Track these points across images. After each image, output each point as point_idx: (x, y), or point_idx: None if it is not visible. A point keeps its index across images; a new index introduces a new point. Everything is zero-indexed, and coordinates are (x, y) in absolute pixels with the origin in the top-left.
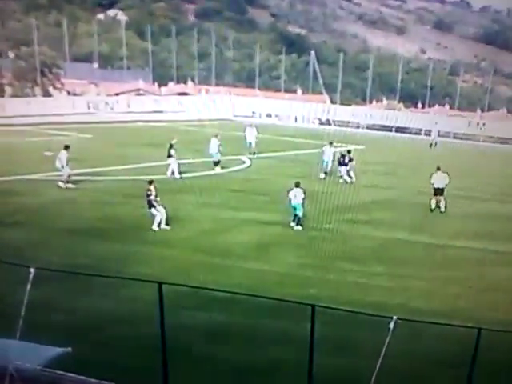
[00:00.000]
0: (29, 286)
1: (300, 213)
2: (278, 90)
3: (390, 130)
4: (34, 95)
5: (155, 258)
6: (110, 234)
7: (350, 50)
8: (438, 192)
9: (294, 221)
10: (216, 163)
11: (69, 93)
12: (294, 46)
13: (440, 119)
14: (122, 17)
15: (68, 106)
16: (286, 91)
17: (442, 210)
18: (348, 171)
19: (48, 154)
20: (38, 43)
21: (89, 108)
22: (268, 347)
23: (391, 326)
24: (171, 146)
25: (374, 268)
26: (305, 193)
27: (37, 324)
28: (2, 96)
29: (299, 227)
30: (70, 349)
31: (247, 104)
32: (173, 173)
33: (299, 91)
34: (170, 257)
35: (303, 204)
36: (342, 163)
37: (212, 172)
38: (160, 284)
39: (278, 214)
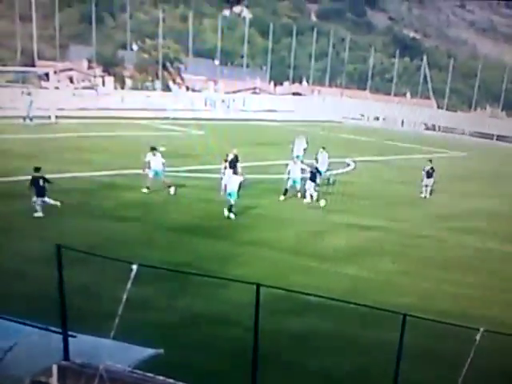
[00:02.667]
0: (129, 284)
1: None
2: (388, 93)
3: (491, 138)
4: (154, 89)
5: (255, 259)
6: (212, 232)
7: (459, 56)
8: None
9: None
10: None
11: (188, 88)
12: (408, 49)
13: None
14: (246, 14)
15: (186, 102)
16: (396, 95)
17: None
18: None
19: (162, 149)
20: (162, 37)
21: (206, 105)
22: (357, 354)
23: (477, 337)
24: (234, 160)
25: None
26: None
27: (133, 323)
28: (122, 88)
29: None
30: (162, 350)
31: (357, 106)
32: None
33: (408, 95)
34: (269, 258)
35: None
36: (428, 176)
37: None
38: (258, 286)
39: (379, 219)
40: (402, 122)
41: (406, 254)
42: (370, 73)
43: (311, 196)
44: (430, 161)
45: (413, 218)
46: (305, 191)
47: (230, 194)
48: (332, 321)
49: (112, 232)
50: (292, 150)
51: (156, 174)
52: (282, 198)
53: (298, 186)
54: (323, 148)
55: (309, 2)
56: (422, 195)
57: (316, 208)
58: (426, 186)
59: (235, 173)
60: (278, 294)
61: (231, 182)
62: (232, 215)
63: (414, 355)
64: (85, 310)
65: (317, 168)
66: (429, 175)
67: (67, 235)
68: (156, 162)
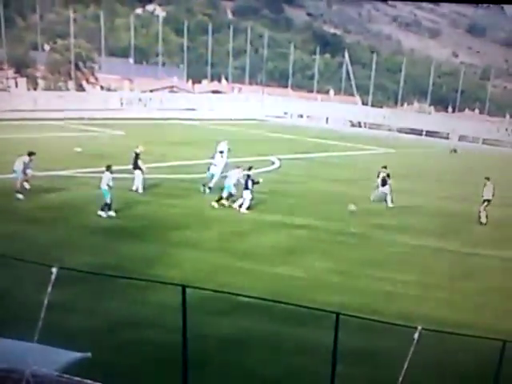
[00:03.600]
0: (50, 287)
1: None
2: (311, 91)
3: (420, 134)
4: (67, 89)
5: (181, 260)
6: (135, 233)
7: (383, 52)
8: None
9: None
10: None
11: (102, 88)
12: (329, 46)
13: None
14: (160, 12)
15: (101, 102)
16: (319, 92)
17: (484, 220)
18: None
19: (78, 150)
20: (74, 36)
21: (122, 104)
22: (291, 355)
23: (416, 336)
24: (137, 156)
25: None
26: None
27: (57, 327)
28: (35, 89)
29: None
30: (89, 354)
31: (279, 104)
32: (137, 190)
33: (331, 92)
34: (196, 259)
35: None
36: (383, 184)
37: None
38: (184, 287)
39: (307, 218)
40: (327, 119)
41: (337, 252)
42: (290, 70)
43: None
44: (385, 167)
45: (342, 216)
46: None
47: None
48: (263, 321)
49: (28, 234)
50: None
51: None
52: (215, 204)
53: (233, 191)
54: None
55: None
56: (371, 198)
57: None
58: (383, 193)
59: (136, 168)
60: (206, 295)
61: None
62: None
63: (350, 354)
64: (6, 315)
65: (248, 175)
66: (384, 182)
67: None
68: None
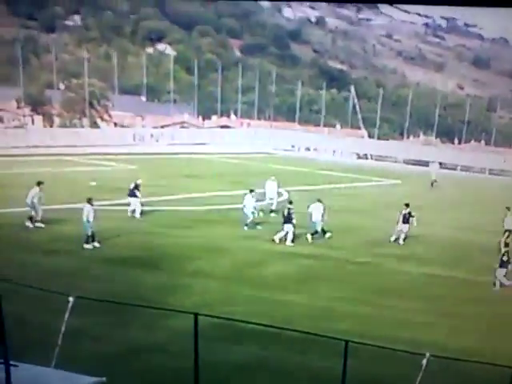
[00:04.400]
0: (67, 315)
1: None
2: (318, 125)
3: (426, 165)
4: (82, 126)
5: (194, 289)
6: (149, 263)
7: (389, 86)
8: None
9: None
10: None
11: (116, 124)
12: (335, 80)
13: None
14: (170, 51)
15: (114, 138)
16: (326, 125)
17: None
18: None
19: (93, 183)
20: (88, 75)
21: (134, 140)
22: (301, 382)
23: (424, 362)
24: (136, 187)
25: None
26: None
27: (73, 352)
28: (51, 126)
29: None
30: (104, 379)
31: (287, 137)
32: (133, 211)
33: (338, 126)
34: (208, 287)
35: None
36: (405, 221)
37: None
38: (196, 315)
39: (316, 247)
40: (334, 152)
41: (344, 280)
42: (297, 105)
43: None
44: (407, 205)
45: (349, 245)
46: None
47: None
48: (274, 348)
49: (45, 265)
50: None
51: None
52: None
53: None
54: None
55: (232, 37)
56: (393, 238)
57: (253, 238)
58: (401, 231)
59: (132, 196)
60: (217, 322)
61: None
62: None
63: (360, 381)
64: (25, 341)
65: (290, 208)
66: (405, 220)
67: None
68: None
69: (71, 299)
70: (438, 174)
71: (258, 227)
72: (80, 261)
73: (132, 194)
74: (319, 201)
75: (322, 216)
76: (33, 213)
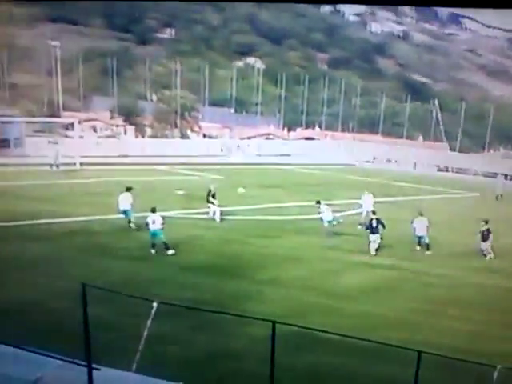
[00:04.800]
0: (150, 320)
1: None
2: (400, 137)
3: (505, 178)
4: (173, 137)
5: (272, 297)
6: (228, 271)
7: (470, 99)
8: None
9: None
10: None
11: (205, 135)
12: (418, 93)
13: None
14: (259, 64)
15: (202, 148)
16: (408, 138)
17: None
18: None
19: (180, 192)
20: (179, 87)
21: (221, 150)
22: None
23: (495, 375)
24: (209, 193)
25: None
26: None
27: (154, 357)
28: (143, 136)
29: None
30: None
31: (369, 149)
32: (214, 213)
33: (420, 138)
34: (286, 296)
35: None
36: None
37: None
38: (273, 323)
39: (393, 258)
40: (415, 164)
41: (420, 292)
42: (381, 117)
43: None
44: (486, 222)
45: (427, 257)
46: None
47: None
48: (346, 358)
49: (131, 271)
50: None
51: (125, 213)
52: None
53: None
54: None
55: (318, 51)
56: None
57: (331, 248)
58: (482, 250)
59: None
60: (293, 331)
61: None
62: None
63: None
64: (108, 345)
65: (378, 219)
66: (484, 238)
67: (91, 273)
68: (125, 201)
69: (155, 305)
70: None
71: (333, 239)
72: (163, 267)
73: (209, 201)
74: (421, 214)
75: (427, 229)
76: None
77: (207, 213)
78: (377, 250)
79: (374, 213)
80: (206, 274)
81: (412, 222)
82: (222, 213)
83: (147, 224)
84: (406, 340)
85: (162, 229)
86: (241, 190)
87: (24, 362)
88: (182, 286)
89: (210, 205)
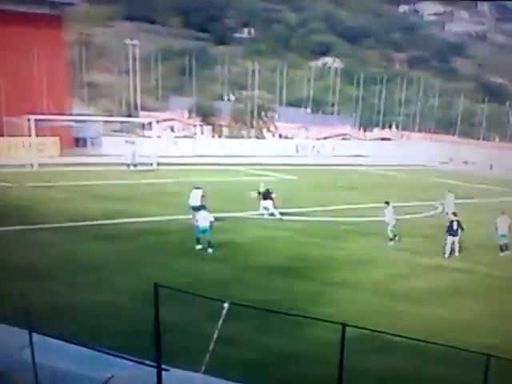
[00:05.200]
0: (221, 321)
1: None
2: (477, 138)
3: None
4: (249, 137)
5: (341, 299)
6: (299, 272)
7: None
8: None
9: None
10: None
11: (281, 136)
12: (495, 95)
13: None
14: (336, 64)
15: (278, 149)
16: (485, 139)
17: None
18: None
19: (253, 193)
20: (257, 87)
21: (297, 151)
22: None
23: None
24: (260, 194)
25: None
26: None
27: (222, 359)
28: (219, 136)
29: None
30: None
31: (445, 150)
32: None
33: (497, 139)
34: (354, 298)
35: None
36: None
37: (408, 216)
38: (343, 325)
39: (464, 261)
40: (491, 165)
41: (491, 295)
42: (458, 118)
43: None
44: None
45: (500, 261)
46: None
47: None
48: (414, 361)
49: (202, 271)
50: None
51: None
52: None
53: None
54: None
55: (396, 51)
56: None
57: (400, 250)
58: None
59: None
60: (362, 333)
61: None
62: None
63: None
64: (177, 345)
65: (458, 221)
66: None
67: (162, 273)
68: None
69: (226, 305)
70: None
71: (392, 242)
72: (233, 268)
73: (266, 197)
74: (503, 213)
75: (509, 228)
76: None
77: (281, 214)
78: (451, 253)
79: (455, 214)
80: (277, 275)
81: (497, 223)
82: (279, 213)
83: (197, 221)
84: (475, 344)
85: (211, 227)
86: (253, 195)
87: (96, 362)
88: (252, 286)
89: (263, 205)
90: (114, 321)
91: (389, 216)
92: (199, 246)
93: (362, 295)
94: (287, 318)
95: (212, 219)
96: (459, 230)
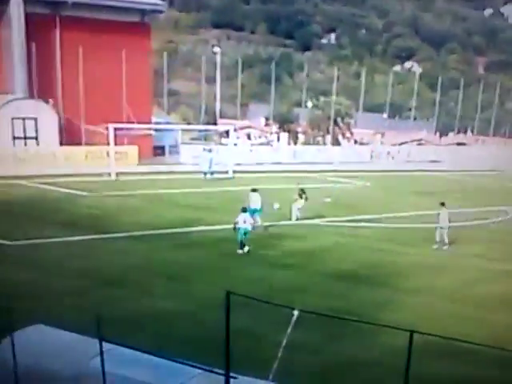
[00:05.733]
0: (290, 328)
1: None
2: None
3: None
4: (325, 143)
5: (410, 306)
6: (371, 279)
7: None
8: None
9: None
10: None
11: (356, 142)
12: None
13: None
14: (416, 68)
15: (353, 155)
16: None
17: None
18: None
19: (327, 200)
20: (336, 93)
21: (371, 157)
22: None
23: None
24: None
25: None
26: None
27: (291, 366)
28: (295, 143)
29: None
30: None
31: None
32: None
33: None
34: (424, 304)
35: None
36: None
37: (475, 223)
38: (411, 332)
39: None
40: None
41: None
42: None
43: None
44: None
45: None
46: None
47: None
48: (484, 367)
49: (276, 278)
50: None
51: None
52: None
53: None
54: None
55: (477, 55)
56: None
57: (474, 256)
58: None
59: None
60: (430, 340)
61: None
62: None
63: None
64: (245, 352)
65: None
66: None
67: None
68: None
69: (296, 313)
70: None
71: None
72: (307, 275)
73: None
74: None
75: None
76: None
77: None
78: None
79: None
80: (349, 282)
81: None
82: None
83: (236, 223)
84: None
85: (253, 228)
86: (275, 206)
87: (164, 371)
88: (323, 294)
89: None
90: (184, 328)
91: (443, 218)
92: (240, 251)
93: (433, 301)
94: (357, 325)
95: (251, 221)
96: None
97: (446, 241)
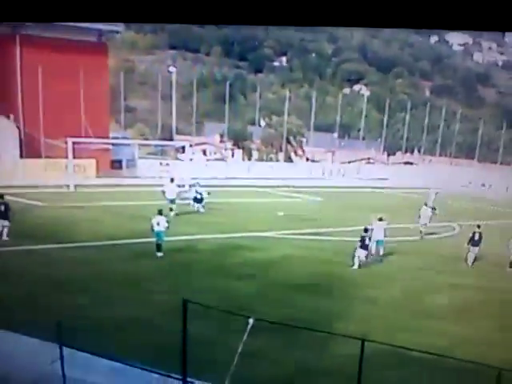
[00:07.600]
0: (245, 336)
1: None
2: (494, 162)
3: None
4: (277, 160)
5: (361, 316)
6: (321, 289)
7: None
8: None
9: None
10: None
11: (308, 159)
12: None
13: None
14: (365, 91)
15: (305, 172)
16: (502, 163)
17: None
18: None
19: (281, 213)
20: (287, 113)
21: (323, 174)
22: None
23: None
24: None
25: None
26: None
27: (247, 372)
28: (249, 159)
29: None
30: None
31: (464, 174)
32: None
33: None
34: (374, 314)
35: None
36: None
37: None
38: (363, 341)
39: (482, 279)
40: (507, 188)
41: (509, 312)
42: (478, 143)
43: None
44: None
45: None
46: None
47: None
48: (433, 375)
49: (232, 289)
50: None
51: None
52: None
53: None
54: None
55: (423, 79)
56: None
57: (420, 268)
58: None
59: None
60: (381, 349)
61: None
62: None
63: None
64: (202, 359)
65: (480, 233)
66: None
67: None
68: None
69: (251, 321)
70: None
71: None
72: (260, 285)
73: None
74: None
75: None
76: None
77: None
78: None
79: (478, 226)
80: (301, 293)
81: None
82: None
83: (152, 225)
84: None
85: (165, 231)
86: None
87: (123, 376)
88: (275, 303)
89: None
90: (141, 335)
91: (377, 232)
92: (159, 254)
93: (382, 311)
94: (310, 333)
95: (165, 224)
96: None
97: (381, 253)
